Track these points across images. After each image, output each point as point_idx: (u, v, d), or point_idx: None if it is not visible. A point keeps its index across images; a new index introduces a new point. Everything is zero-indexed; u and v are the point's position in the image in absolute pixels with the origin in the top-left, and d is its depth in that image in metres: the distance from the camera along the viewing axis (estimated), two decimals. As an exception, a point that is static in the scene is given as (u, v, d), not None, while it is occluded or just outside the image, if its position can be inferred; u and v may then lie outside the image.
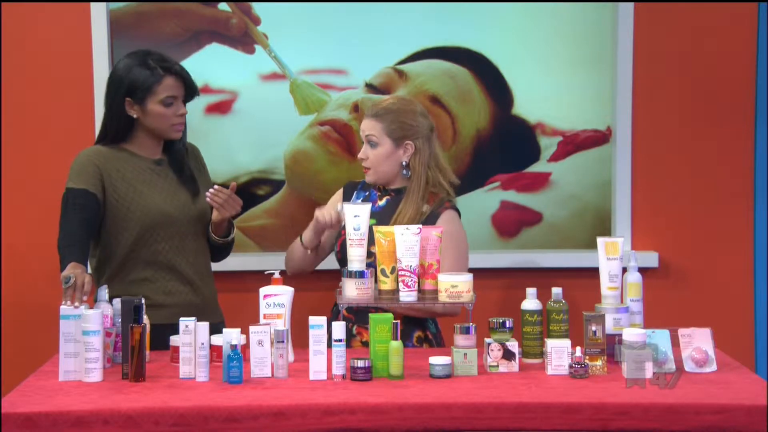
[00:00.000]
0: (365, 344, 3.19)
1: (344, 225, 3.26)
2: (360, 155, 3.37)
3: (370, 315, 2.94)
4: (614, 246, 3.04)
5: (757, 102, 3.97)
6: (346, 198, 3.44)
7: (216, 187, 3.27)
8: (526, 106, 3.98)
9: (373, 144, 3.34)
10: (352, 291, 2.99)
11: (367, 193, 3.42)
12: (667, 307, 3.90)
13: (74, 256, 3.11)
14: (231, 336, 2.80)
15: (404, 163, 3.34)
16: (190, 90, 3.36)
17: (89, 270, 3.32)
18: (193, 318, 2.86)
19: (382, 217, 3.31)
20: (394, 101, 3.40)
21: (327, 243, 3.44)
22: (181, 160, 3.40)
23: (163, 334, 3.07)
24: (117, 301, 2.98)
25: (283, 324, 2.91)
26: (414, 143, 3.33)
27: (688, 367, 2.91)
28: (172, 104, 3.31)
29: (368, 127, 3.35)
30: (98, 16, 3.87)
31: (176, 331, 3.04)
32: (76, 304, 2.94)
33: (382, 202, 3.37)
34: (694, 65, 3.97)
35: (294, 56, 3.94)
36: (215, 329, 2.98)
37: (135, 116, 3.31)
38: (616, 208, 3.99)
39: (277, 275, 3.05)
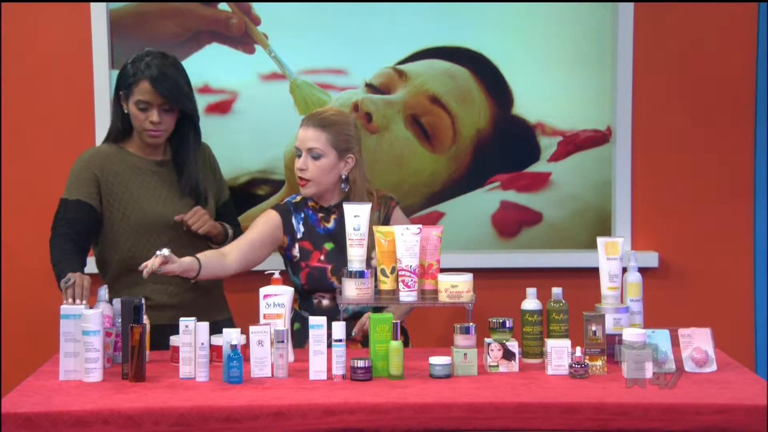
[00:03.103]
0: None
1: (297, 253, 3.24)
2: (299, 165, 3.26)
3: (371, 315, 2.94)
4: (614, 246, 3.04)
5: (757, 102, 3.97)
6: (287, 225, 3.30)
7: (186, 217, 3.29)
8: (526, 106, 3.98)
9: (316, 155, 3.24)
10: (352, 291, 2.99)
11: (303, 215, 3.32)
12: (667, 307, 3.89)
13: (70, 269, 3.13)
14: (231, 336, 2.80)
15: (344, 177, 3.29)
16: (169, 100, 3.28)
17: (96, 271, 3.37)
18: (194, 318, 2.87)
19: (337, 237, 3.29)
20: (335, 113, 3.33)
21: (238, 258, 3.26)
22: (183, 161, 3.38)
23: (167, 335, 3.07)
24: (117, 301, 2.98)
25: (283, 324, 2.91)
26: (354, 156, 3.28)
27: (688, 367, 2.91)
28: (145, 109, 3.28)
29: (312, 137, 3.25)
30: (98, 16, 3.87)
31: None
32: (78, 300, 2.95)
33: (330, 225, 3.31)
34: (694, 65, 3.97)
35: (294, 56, 3.94)
36: (223, 326, 2.99)
37: (126, 111, 3.31)
38: (616, 208, 3.99)
39: (277, 275, 3.05)
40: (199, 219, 3.31)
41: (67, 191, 3.31)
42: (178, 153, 3.38)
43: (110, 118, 3.51)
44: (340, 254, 3.26)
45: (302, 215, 3.32)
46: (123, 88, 3.31)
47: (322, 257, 3.28)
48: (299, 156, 3.27)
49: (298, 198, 3.35)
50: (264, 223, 3.31)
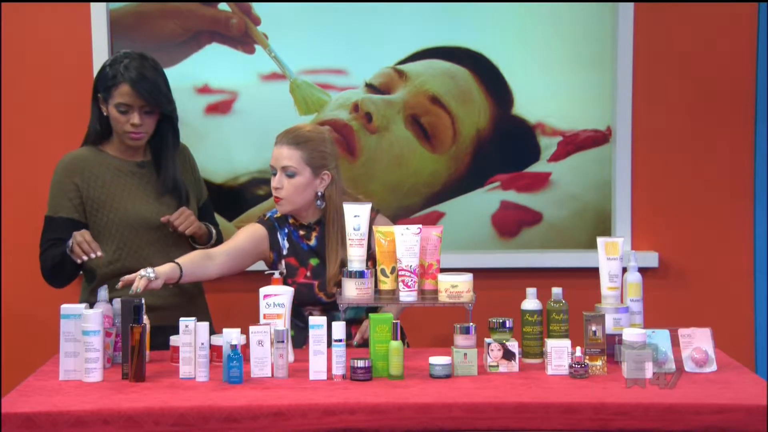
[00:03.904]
0: None
1: (281, 271, 3.22)
2: (275, 184, 3.24)
3: (370, 315, 2.94)
4: (614, 246, 3.04)
5: (757, 102, 3.96)
6: (273, 241, 3.29)
7: (171, 217, 3.28)
8: (526, 106, 3.98)
9: (291, 174, 3.21)
10: (352, 291, 2.99)
11: (287, 231, 3.30)
12: (667, 307, 3.90)
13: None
14: (231, 336, 2.80)
15: (320, 194, 3.26)
16: (149, 102, 3.27)
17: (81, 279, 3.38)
18: (194, 318, 2.86)
19: (320, 253, 3.28)
20: (310, 129, 3.30)
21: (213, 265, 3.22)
22: (162, 163, 3.36)
23: (152, 336, 3.06)
24: (117, 301, 2.98)
25: (283, 324, 2.91)
26: (330, 173, 3.25)
27: (688, 367, 2.91)
28: (126, 112, 3.27)
29: (286, 156, 3.22)
30: (98, 16, 3.87)
31: (163, 334, 3.05)
32: (92, 255, 3.05)
33: (312, 242, 3.30)
34: (694, 65, 3.97)
35: (294, 56, 3.94)
36: None
37: (105, 114, 3.31)
38: (616, 208, 3.99)
39: (277, 275, 3.05)
40: (185, 220, 3.30)
41: (50, 207, 3.31)
42: (157, 154, 3.37)
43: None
44: (324, 270, 3.26)
45: (286, 231, 3.31)
46: (102, 90, 3.29)
47: (308, 273, 3.27)
48: (274, 174, 3.25)
49: (279, 213, 3.33)
50: (251, 234, 3.29)
